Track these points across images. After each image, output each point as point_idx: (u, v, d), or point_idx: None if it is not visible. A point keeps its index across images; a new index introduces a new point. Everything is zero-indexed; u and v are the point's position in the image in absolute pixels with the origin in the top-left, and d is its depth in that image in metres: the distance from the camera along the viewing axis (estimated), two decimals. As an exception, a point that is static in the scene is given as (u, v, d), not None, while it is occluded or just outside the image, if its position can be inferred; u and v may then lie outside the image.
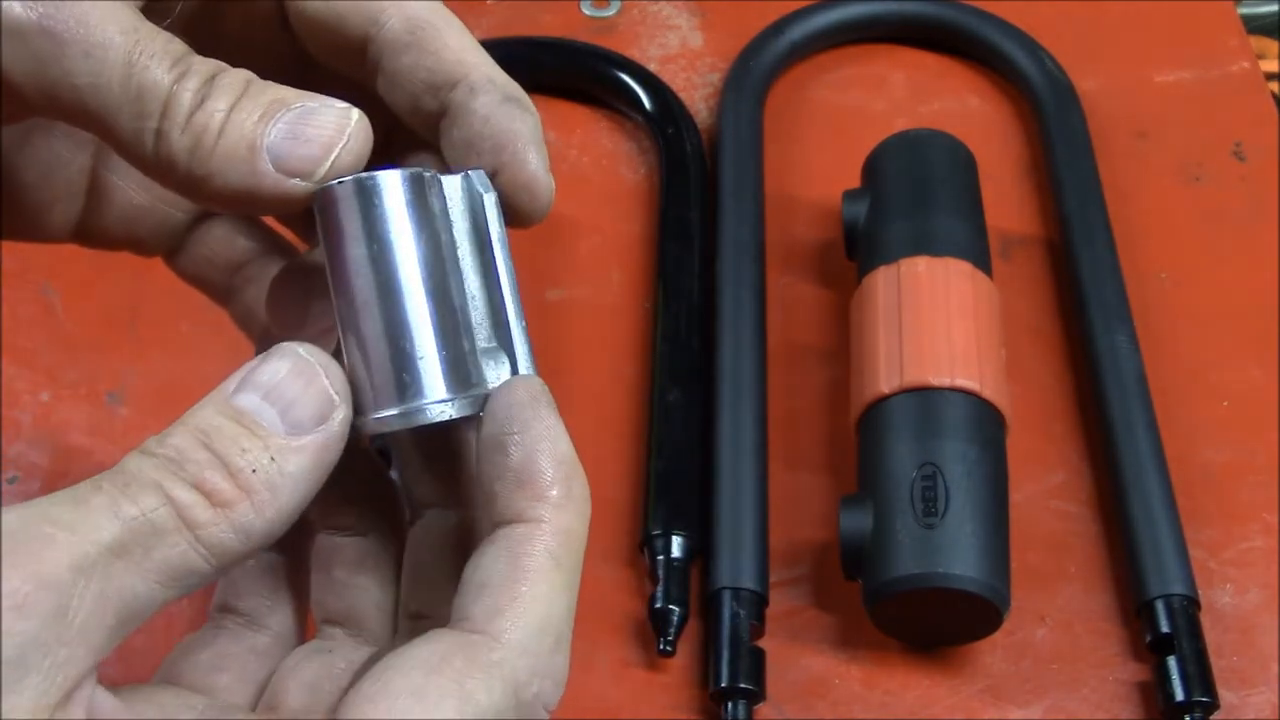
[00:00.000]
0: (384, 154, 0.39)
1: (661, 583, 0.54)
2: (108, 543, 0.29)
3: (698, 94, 0.72)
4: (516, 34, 0.74)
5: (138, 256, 0.43)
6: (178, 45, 0.33)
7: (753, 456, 0.57)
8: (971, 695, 0.54)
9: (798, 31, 0.72)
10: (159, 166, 0.33)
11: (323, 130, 0.34)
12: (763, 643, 0.53)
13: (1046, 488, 0.59)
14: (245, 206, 0.34)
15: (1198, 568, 0.55)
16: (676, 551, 0.55)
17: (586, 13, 0.76)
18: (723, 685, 0.51)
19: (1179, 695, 0.51)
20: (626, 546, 0.57)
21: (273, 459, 0.32)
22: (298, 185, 0.33)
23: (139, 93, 0.32)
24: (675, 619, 0.53)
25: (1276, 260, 0.66)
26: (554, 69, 0.72)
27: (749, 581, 0.54)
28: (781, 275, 0.65)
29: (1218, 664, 0.53)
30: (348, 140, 0.34)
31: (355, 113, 0.34)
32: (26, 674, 0.28)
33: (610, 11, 0.75)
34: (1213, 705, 0.52)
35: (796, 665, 0.54)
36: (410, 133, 0.39)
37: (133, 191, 0.41)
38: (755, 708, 0.52)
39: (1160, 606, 0.53)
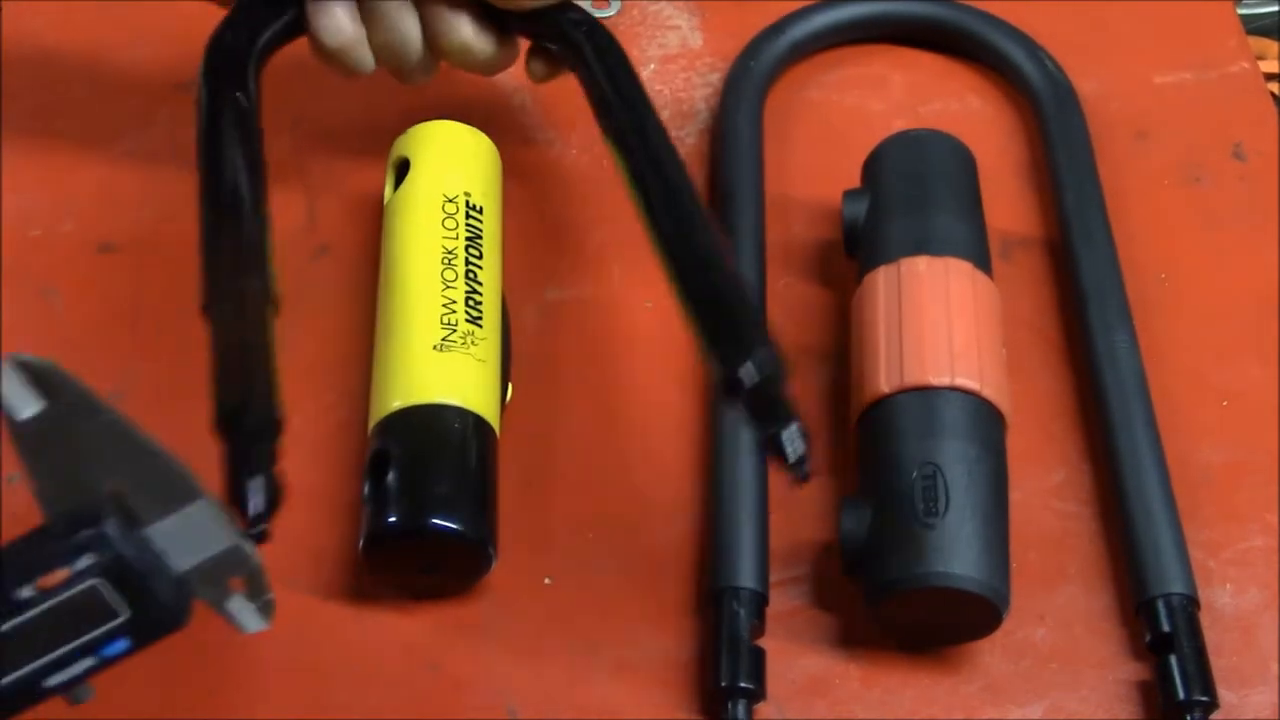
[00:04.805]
0: None
1: None
2: None
3: (698, 94, 0.72)
4: (516, 34, 0.74)
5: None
6: None
7: (753, 457, 0.57)
8: (971, 695, 0.54)
9: (798, 31, 0.72)
10: None
11: None
12: (763, 642, 0.53)
13: (1046, 487, 0.59)
14: None
15: (1197, 567, 0.55)
16: None
17: (586, 13, 0.76)
18: (723, 685, 0.51)
19: (1179, 694, 0.52)
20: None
21: None
22: None
23: None
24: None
25: (1276, 260, 0.66)
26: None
27: (749, 581, 0.54)
28: (781, 275, 0.65)
29: (1217, 663, 0.53)
30: None
31: None
32: None
33: (610, 11, 0.75)
34: (1212, 705, 0.52)
35: (796, 665, 0.54)
36: None
37: None
38: (755, 707, 0.52)
39: (1160, 606, 0.53)
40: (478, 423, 0.55)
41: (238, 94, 0.57)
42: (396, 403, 0.55)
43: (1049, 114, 0.69)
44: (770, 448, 0.49)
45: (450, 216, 0.60)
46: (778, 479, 0.58)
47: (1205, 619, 0.54)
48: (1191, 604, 0.54)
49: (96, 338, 0.63)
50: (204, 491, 0.40)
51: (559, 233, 0.67)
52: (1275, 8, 0.87)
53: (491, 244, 0.61)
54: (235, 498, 0.46)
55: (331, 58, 0.59)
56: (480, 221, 0.61)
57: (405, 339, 0.57)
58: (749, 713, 0.52)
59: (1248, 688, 0.54)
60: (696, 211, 0.54)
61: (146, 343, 0.63)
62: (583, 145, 0.70)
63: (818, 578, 0.56)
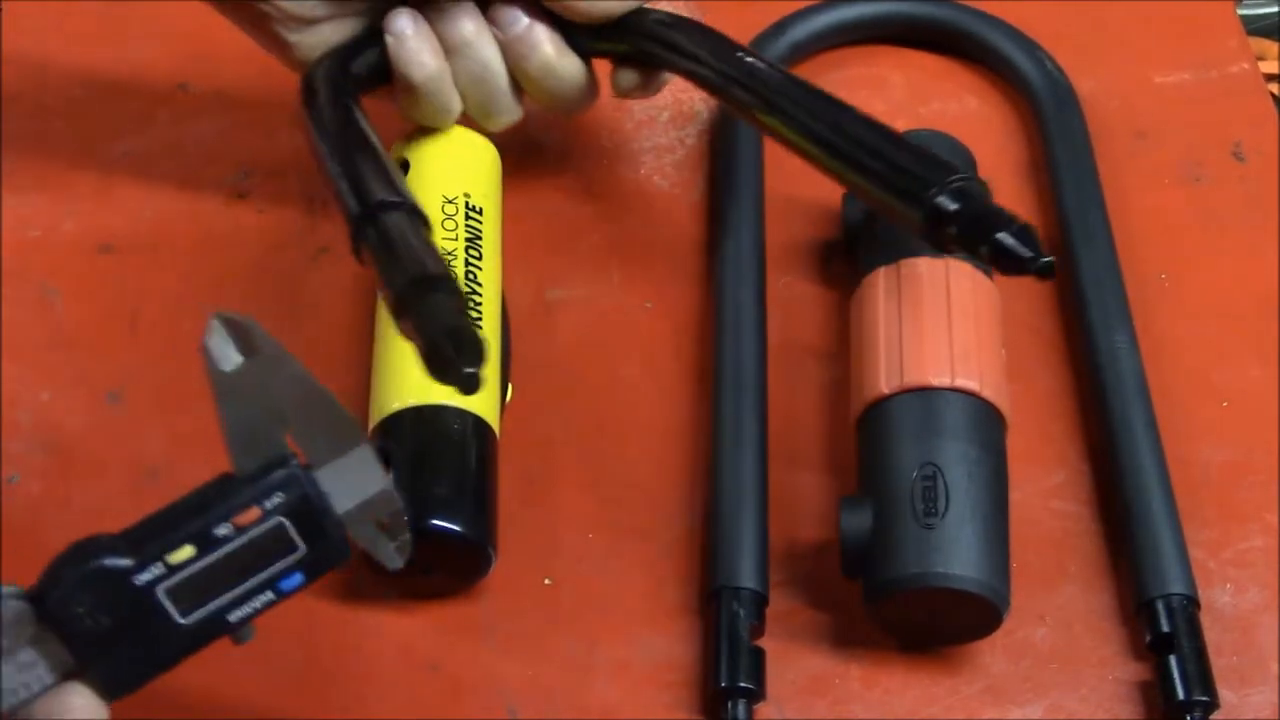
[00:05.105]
0: None
1: None
2: None
3: (698, 95, 0.72)
4: (516, 34, 0.74)
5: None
6: None
7: (753, 456, 0.57)
8: (971, 695, 0.54)
9: (798, 32, 0.72)
10: None
11: None
12: (763, 643, 0.53)
13: (1046, 487, 0.59)
14: None
15: (1198, 568, 0.55)
16: None
17: (586, 13, 0.75)
18: (723, 685, 0.51)
19: (1179, 694, 0.52)
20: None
21: None
22: None
23: None
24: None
25: (1276, 260, 0.66)
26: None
27: (749, 581, 0.54)
28: (781, 275, 0.65)
29: (1217, 663, 0.53)
30: None
31: None
32: None
33: (610, 12, 0.75)
34: (1213, 704, 0.52)
35: (796, 665, 0.54)
36: None
37: None
38: (755, 707, 0.52)
39: (1160, 606, 0.53)
40: (478, 423, 0.55)
41: (339, 98, 0.57)
42: (396, 403, 0.55)
43: (1048, 114, 0.69)
44: (999, 259, 0.48)
45: (450, 218, 0.60)
46: (777, 479, 0.58)
47: (1205, 619, 0.54)
48: (1191, 604, 0.54)
49: (96, 338, 0.63)
50: (366, 438, 0.44)
51: (559, 233, 0.67)
52: (1275, 8, 0.87)
53: (491, 245, 0.61)
54: (430, 356, 0.45)
55: (417, 93, 0.59)
56: (480, 222, 0.61)
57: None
58: (749, 713, 0.52)
59: (1248, 688, 0.54)
60: (850, 109, 0.56)
61: (146, 343, 0.63)
62: (583, 145, 0.70)
63: (818, 578, 0.56)
